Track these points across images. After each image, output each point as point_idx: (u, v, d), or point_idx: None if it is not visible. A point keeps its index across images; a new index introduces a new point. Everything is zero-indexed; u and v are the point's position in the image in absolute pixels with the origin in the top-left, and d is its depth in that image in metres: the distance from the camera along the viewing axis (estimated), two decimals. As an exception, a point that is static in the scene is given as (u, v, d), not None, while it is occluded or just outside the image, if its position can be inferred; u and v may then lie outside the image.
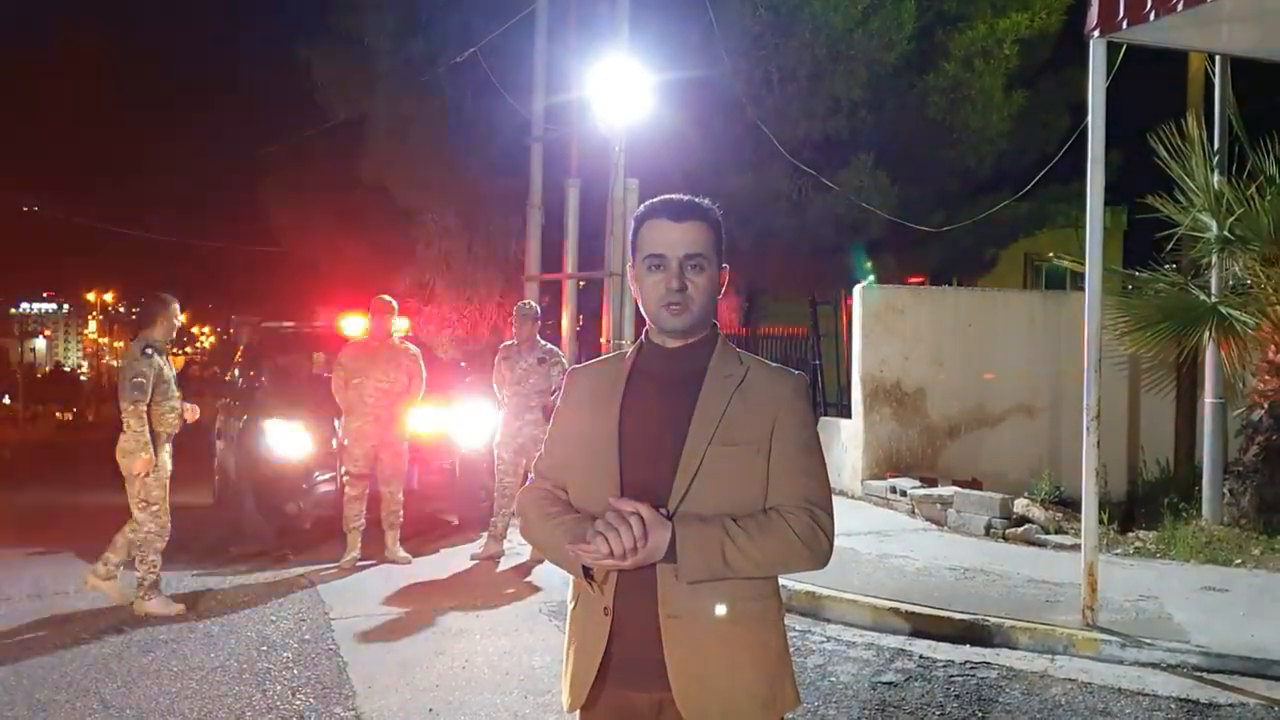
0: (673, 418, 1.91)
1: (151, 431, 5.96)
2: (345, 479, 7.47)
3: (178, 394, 6.16)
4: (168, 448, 6.11)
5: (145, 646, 5.46)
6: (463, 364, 11.61)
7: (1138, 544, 7.47)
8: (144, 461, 5.91)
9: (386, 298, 7.66)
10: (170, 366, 6.16)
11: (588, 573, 1.88)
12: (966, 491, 8.53)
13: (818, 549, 1.88)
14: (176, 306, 6.30)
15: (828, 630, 5.72)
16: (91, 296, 76.91)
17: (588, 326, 14.04)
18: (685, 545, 1.80)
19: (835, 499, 1.99)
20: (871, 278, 11.45)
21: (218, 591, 6.70)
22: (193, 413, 6.35)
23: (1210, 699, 4.56)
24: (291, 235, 18.94)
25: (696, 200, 1.98)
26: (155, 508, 6.05)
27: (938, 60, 12.49)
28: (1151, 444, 9.67)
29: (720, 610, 1.86)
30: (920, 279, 14.00)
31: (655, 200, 1.99)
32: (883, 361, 9.91)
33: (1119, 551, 7.28)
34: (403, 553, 7.54)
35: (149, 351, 6.02)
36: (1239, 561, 6.88)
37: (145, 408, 5.92)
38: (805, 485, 1.91)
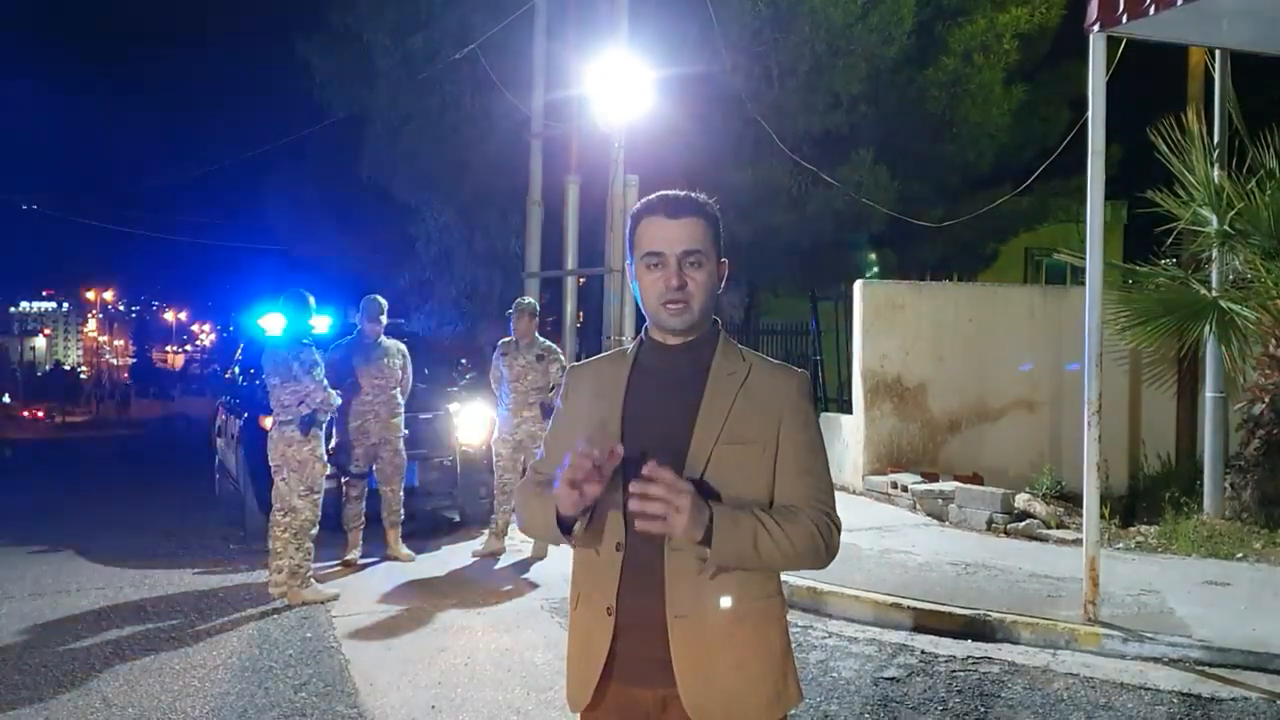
0: (677, 416, 1.91)
1: (312, 419, 6.31)
2: (345, 480, 7.48)
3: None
4: (321, 434, 6.44)
5: (147, 644, 5.47)
6: (463, 361, 11.60)
7: (1139, 538, 7.47)
8: (308, 451, 6.28)
9: (376, 297, 7.69)
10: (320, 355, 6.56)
11: (566, 529, 1.86)
12: (968, 487, 8.54)
13: (831, 548, 1.90)
14: (313, 300, 6.61)
15: (829, 626, 5.73)
16: (91, 295, 76.99)
17: (588, 323, 14.04)
18: (722, 526, 1.78)
19: (836, 494, 1.99)
20: (876, 270, 11.42)
21: (219, 589, 6.70)
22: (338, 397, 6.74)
23: (1212, 693, 4.57)
24: (291, 233, 18.95)
25: (692, 195, 1.96)
26: (316, 496, 6.39)
27: (937, 55, 12.48)
28: (1152, 438, 9.67)
29: (727, 609, 1.86)
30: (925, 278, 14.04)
31: (651, 197, 1.97)
32: (883, 357, 9.90)
33: (1120, 546, 7.29)
34: (405, 550, 7.55)
35: (306, 341, 6.41)
36: (1240, 555, 6.89)
37: (302, 396, 6.29)
38: (814, 485, 1.91)
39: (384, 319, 7.62)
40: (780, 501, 1.89)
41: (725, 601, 1.86)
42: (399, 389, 7.58)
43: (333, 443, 7.15)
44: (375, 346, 7.54)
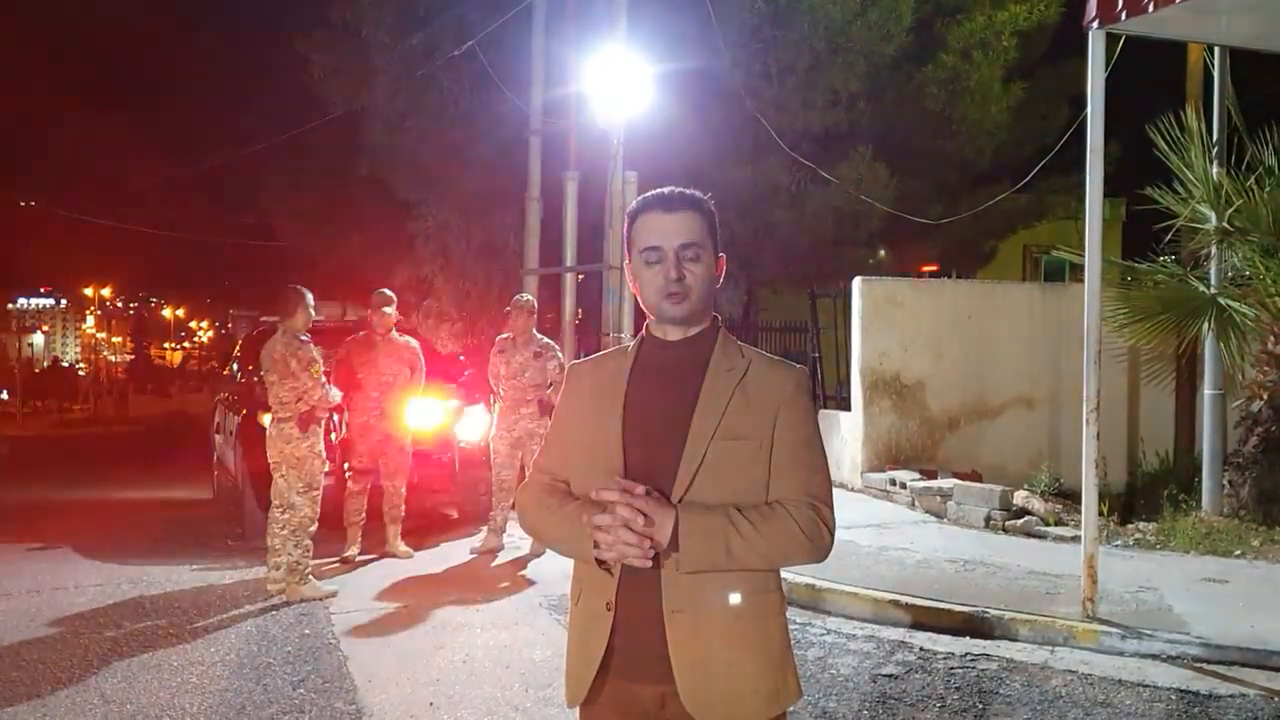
0: (675, 412, 1.91)
1: (310, 416, 6.31)
2: (349, 474, 7.48)
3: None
4: (319, 431, 6.43)
5: (145, 641, 5.47)
6: (462, 357, 11.61)
7: (1137, 535, 7.48)
8: (306, 448, 6.28)
9: (386, 291, 7.66)
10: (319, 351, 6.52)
11: (601, 561, 1.88)
12: (966, 484, 8.54)
13: (819, 543, 1.88)
14: (311, 297, 6.54)
15: (828, 623, 5.73)
16: (89, 291, 76.86)
17: (587, 320, 14.03)
18: (689, 533, 1.79)
19: (835, 491, 1.98)
20: (881, 258, 11.38)
21: (218, 586, 6.70)
22: (337, 394, 6.72)
23: (1210, 690, 4.57)
24: (289, 229, 18.92)
25: (687, 191, 1.98)
26: (315, 493, 6.40)
27: (936, 52, 12.48)
28: (1151, 435, 9.68)
29: (724, 604, 1.86)
30: (935, 266, 14.03)
31: (646, 194, 1.99)
32: (882, 354, 9.91)
33: (1119, 543, 7.29)
34: (404, 547, 7.55)
35: (304, 338, 6.38)
36: (1238, 553, 6.89)
37: (300, 393, 6.27)
38: (807, 480, 1.90)
39: (390, 312, 7.58)
40: (774, 496, 1.89)
41: (723, 597, 1.86)
42: (407, 385, 7.56)
43: (335, 436, 7.15)
44: (383, 342, 7.52)
